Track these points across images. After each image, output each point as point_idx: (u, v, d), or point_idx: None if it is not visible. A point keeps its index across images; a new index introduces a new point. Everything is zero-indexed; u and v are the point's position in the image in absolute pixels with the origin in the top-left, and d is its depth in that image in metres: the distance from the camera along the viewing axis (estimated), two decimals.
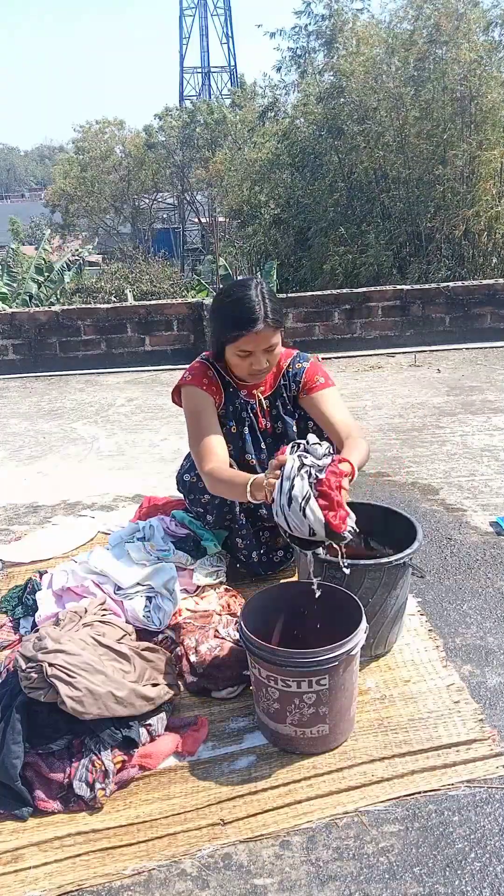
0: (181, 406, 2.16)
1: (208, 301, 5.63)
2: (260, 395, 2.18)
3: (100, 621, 1.82)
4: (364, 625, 1.60)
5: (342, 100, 9.86)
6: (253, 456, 2.19)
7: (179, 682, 1.83)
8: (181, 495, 2.49)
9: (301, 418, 2.22)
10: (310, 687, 1.53)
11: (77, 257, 11.30)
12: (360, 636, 1.57)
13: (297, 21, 10.81)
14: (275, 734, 1.63)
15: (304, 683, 1.53)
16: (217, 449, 2.01)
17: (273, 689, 1.56)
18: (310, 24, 10.56)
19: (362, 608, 1.64)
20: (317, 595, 1.70)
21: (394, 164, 9.63)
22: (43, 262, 10.07)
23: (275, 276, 9.65)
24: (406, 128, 9.17)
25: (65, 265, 10.26)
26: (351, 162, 10.06)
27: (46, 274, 9.89)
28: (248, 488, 1.77)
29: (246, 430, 2.19)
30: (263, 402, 2.19)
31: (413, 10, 9.27)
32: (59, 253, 13.65)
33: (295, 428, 2.21)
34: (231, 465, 2.06)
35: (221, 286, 6.27)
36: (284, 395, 2.20)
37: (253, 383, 2.15)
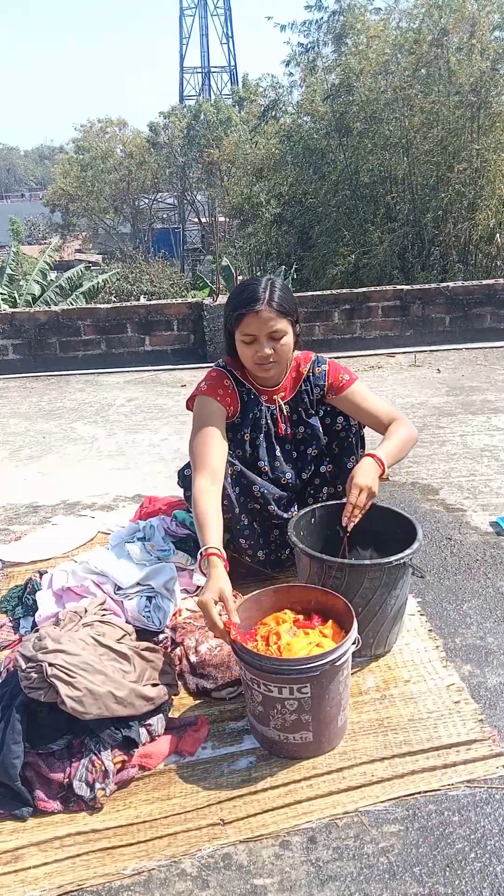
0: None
1: (208, 301, 5.63)
2: (280, 400, 2.18)
3: (100, 621, 1.82)
4: (353, 635, 1.58)
5: (351, 98, 9.82)
6: (266, 463, 2.19)
7: (179, 682, 1.83)
8: (181, 495, 2.49)
9: (328, 414, 2.22)
10: (291, 694, 1.52)
11: (93, 267, 11.18)
12: (345, 647, 1.55)
13: (308, 15, 10.75)
14: (261, 736, 1.63)
15: (285, 690, 1.52)
16: (212, 462, 1.99)
17: (257, 692, 1.56)
18: (322, 17, 10.49)
19: (355, 617, 1.62)
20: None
21: (399, 165, 9.59)
22: (47, 265, 10.01)
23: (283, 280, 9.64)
24: (413, 130, 9.14)
25: (78, 272, 10.08)
26: (356, 162, 10.03)
27: (51, 280, 9.81)
28: (199, 556, 1.75)
29: (261, 437, 2.19)
30: (284, 407, 2.19)
31: (421, 11, 9.21)
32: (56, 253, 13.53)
33: (320, 428, 2.21)
34: (234, 471, 2.08)
35: (222, 283, 6.26)
36: (306, 399, 2.19)
37: (264, 380, 2.13)
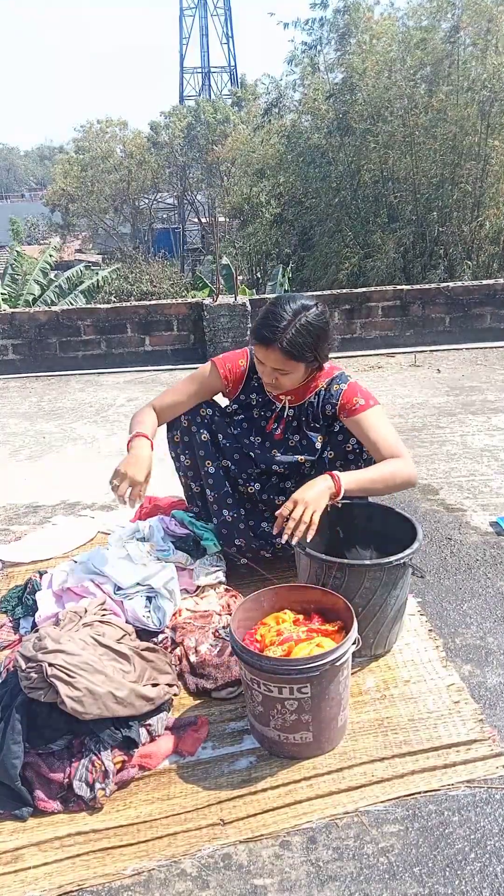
0: None
1: (208, 301, 5.63)
2: (287, 402, 2.17)
3: (100, 621, 1.82)
4: (353, 635, 1.58)
5: (353, 97, 9.76)
6: (231, 439, 2.22)
7: (179, 682, 1.83)
8: (181, 495, 2.49)
9: (342, 430, 2.14)
10: (291, 694, 1.52)
11: (94, 267, 11.22)
12: (345, 647, 1.54)
13: (312, 13, 10.66)
14: (261, 736, 1.63)
15: (285, 690, 1.52)
16: (167, 408, 2.23)
17: (257, 692, 1.56)
18: (324, 16, 10.42)
19: (355, 617, 1.62)
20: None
21: (403, 164, 9.53)
22: (48, 265, 10.00)
23: (281, 279, 9.57)
24: (418, 128, 9.08)
25: (78, 272, 10.06)
26: (358, 161, 9.99)
27: (51, 280, 9.81)
28: (131, 438, 2.12)
29: (241, 416, 2.21)
30: (288, 409, 2.18)
31: (432, 6, 9.10)
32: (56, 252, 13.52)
33: (319, 444, 2.18)
34: (206, 415, 2.23)
35: (222, 283, 6.24)
36: (310, 412, 2.16)
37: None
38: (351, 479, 1.90)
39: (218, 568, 2.23)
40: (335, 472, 1.90)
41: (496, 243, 9.16)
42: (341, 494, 1.88)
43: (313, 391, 2.15)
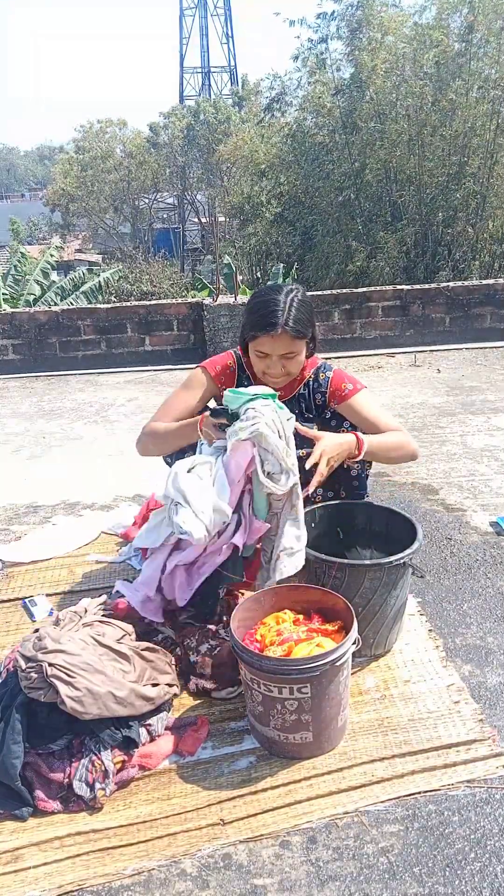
0: None
1: (208, 301, 5.63)
2: (278, 397, 2.18)
3: (100, 621, 1.82)
4: (353, 635, 1.58)
5: (361, 94, 9.70)
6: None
7: (179, 682, 1.83)
8: None
9: (334, 416, 2.17)
10: (291, 694, 1.52)
11: (94, 267, 11.19)
12: (345, 647, 1.55)
13: (322, 8, 10.61)
14: (261, 736, 1.63)
15: (285, 690, 1.52)
16: (166, 420, 2.18)
17: (257, 692, 1.56)
18: (334, 12, 10.33)
19: (355, 617, 1.63)
20: None
21: (410, 163, 9.46)
22: (49, 266, 9.99)
23: (282, 279, 9.52)
24: (427, 127, 9.02)
25: (80, 275, 10.04)
26: (363, 160, 9.93)
27: (53, 281, 9.79)
28: (199, 424, 2.01)
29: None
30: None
31: (446, 7, 9.04)
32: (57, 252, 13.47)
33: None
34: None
35: (222, 283, 6.25)
36: (303, 403, 2.18)
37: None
38: (369, 441, 2.00)
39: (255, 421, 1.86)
40: (359, 433, 1.99)
41: (501, 242, 9.12)
42: (361, 455, 1.98)
43: (301, 383, 2.17)
